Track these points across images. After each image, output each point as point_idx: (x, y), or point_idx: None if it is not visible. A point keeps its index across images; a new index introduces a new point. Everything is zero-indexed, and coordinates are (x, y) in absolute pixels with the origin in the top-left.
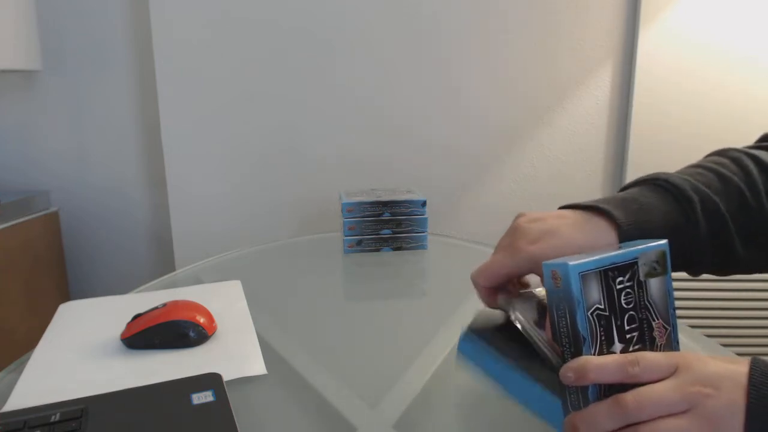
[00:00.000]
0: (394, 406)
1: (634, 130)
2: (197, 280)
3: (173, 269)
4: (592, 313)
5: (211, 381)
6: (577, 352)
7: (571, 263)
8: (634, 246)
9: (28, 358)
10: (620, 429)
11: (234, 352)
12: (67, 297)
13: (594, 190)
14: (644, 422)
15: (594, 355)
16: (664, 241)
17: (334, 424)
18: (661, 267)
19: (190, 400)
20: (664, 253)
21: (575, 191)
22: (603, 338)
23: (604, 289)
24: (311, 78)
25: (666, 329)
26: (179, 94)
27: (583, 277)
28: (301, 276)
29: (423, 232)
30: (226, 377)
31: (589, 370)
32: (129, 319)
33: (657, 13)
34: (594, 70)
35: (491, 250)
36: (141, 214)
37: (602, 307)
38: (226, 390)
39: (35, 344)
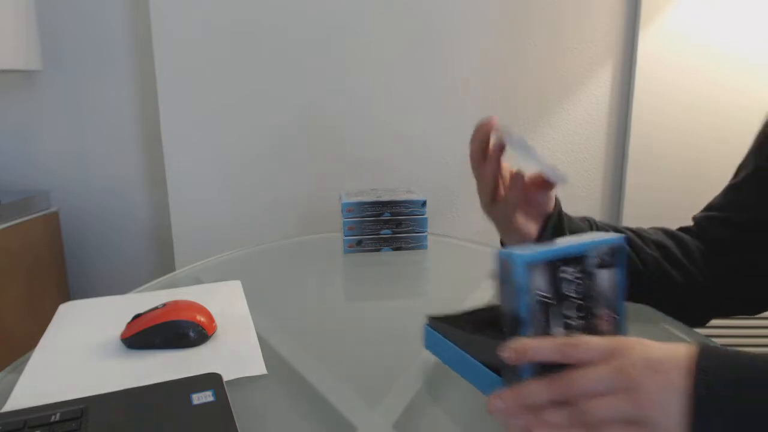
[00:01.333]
0: (394, 406)
1: (634, 130)
2: (197, 280)
3: (173, 269)
4: (536, 300)
5: (211, 381)
6: (519, 335)
7: (518, 253)
8: (590, 238)
9: (28, 358)
10: (557, 409)
11: (234, 352)
12: (67, 297)
13: (594, 190)
14: (579, 401)
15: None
16: (620, 236)
17: (334, 424)
18: (613, 260)
19: (190, 400)
20: (618, 248)
21: (575, 191)
22: (546, 323)
23: (551, 278)
24: (311, 78)
25: (613, 319)
26: (179, 94)
27: (531, 266)
28: (301, 276)
29: (423, 232)
30: (226, 377)
31: (528, 348)
32: (129, 319)
33: (657, 13)
34: (594, 70)
35: (491, 250)
36: (141, 214)
37: (547, 294)
38: (226, 390)
39: (35, 344)
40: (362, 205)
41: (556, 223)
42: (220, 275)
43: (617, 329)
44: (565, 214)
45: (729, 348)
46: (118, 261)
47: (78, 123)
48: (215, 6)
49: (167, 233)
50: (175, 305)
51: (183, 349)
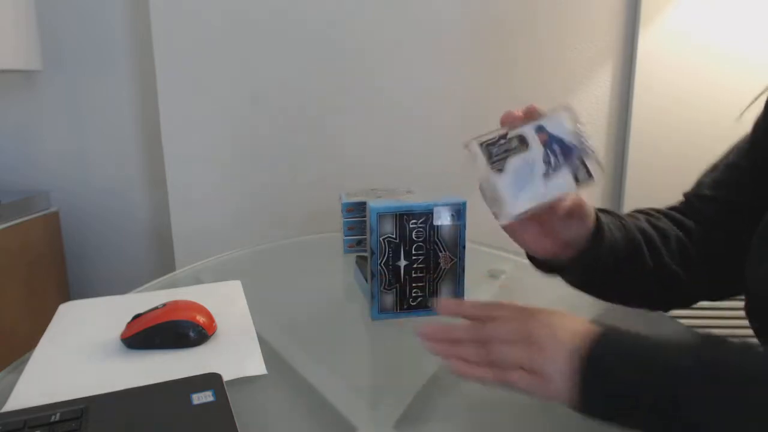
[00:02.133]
0: (394, 406)
1: (634, 130)
2: (197, 280)
3: (173, 269)
4: (384, 239)
5: (211, 381)
6: (373, 262)
7: (374, 205)
8: (436, 200)
9: (28, 358)
10: (473, 347)
11: (234, 352)
12: (67, 297)
13: (593, 190)
14: (490, 344)
15: (381, 264)
16: (462, 200)
17: (334, 424)
18: (455, 217)
19: (190, 400)
20: (458, 209)
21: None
22: (391, 255)
23: (398, 225)
24: (311, 78)
25: (452, 260)
26: (179, 94)
27: (380, 215)
28: (301, 276)
29: None
30: (226, 377)
31: (458, 305)
32: (129, 319)
33: (657, 13)
34: (594, 70)
35: (491, 250)
36: (141, 214)
37: (393, 236)
38: (226, 390)
39: (35, 344)
40: (362, 205)
41: (593, 257)
42: (220, 275)
43: (456, 268)
44: (608, 235)
45: (626, 331)
46: (118, 261)
47: (78, 123)
48: (215, 6)
49: (167, 233)
50: (175, 305)
51: (183, 349)
